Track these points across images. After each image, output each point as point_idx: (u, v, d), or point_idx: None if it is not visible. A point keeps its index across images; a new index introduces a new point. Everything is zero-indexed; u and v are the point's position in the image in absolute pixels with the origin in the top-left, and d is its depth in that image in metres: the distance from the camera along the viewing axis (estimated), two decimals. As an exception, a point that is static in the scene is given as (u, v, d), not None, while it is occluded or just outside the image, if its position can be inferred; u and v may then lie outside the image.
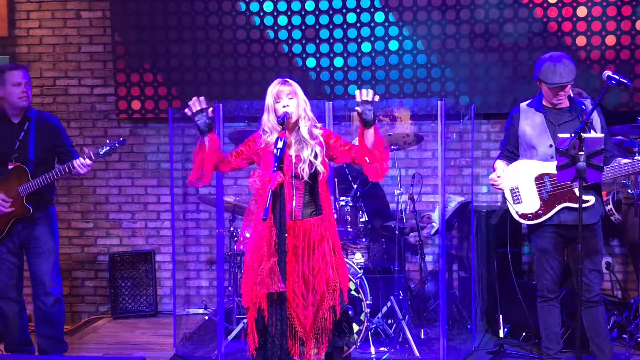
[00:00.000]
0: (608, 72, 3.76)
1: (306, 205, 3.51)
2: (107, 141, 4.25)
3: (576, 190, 3.81)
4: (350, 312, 4.38)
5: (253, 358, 3.54)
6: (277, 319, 3.45)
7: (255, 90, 5.89)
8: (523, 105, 4.08)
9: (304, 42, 5.88)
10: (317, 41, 5.87)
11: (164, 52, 5.98)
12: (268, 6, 5.88)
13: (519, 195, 3.98)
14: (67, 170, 4.17)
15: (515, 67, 5.77)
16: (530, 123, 3.97)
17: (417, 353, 4.60)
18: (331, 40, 5.87)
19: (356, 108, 3.31)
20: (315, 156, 3.47)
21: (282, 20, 5.89)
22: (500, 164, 4.14)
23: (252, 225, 3.54)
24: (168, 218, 6.05)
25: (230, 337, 4.84)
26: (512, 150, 4.11)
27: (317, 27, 5.87)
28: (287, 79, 3.53)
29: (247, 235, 3.68)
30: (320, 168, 3.47)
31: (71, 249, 6.16)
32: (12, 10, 6.14)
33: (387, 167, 3.44)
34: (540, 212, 3.93)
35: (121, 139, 4.28)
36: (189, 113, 3.45)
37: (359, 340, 4.47)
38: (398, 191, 5.12)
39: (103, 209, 6.22)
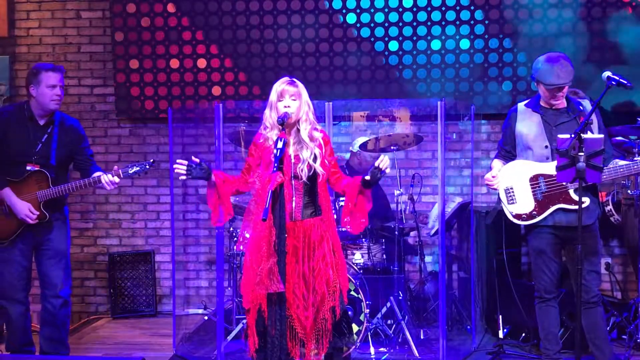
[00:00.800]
0: (608, 73, 3.75)
1: (306, 205, 3.51)
2: (137, 161, 4.21)
3: (570, 192, 3.82)
4: (350, 312, 4.38)
5: (253, 359, 3.54)
6: (276, 319, 3.45)
7: (256, 91, 5.90)
8: (521, 105, 4.07)
9: (303, 41, 5.88)
10: (317, 40, 5.87)
11: (163, 53, 5.98)
12: (267, 5, 5.88)
13: (514, 195, 3.98)
14: (91, 184, 4.14)
15: (515, 68, 5.77)
16: (527, 123, 3.97)
17: (416, 353, 4.60)
18: (331, 40, 5.87)
19: (366, 177, 3.41)
20: (315, 159, 3.47)
21: (282, 19, 5.89)
22: (497, 163, 4.14)
23: (252, 226, 3.54)
24: (168, 218, 6.05)
25: (229, 338, 4.83)
26: (509, 150, 4.11)
27: (317, 26, 5.87)
28: (295, 80, 3.54)
29: (247, 235, 3.69)
30: (319, 170, 3.47)
31: (71, 249, 6.14)
32: (12, 10, 6.14)
33: (367, 222, 3.55)
34: (534, 212, 3.93)
35: (151, 160, 4.20)
36: (185, 177, 3.48)
37: (358, 341, 4.47)
38: (398, 192, 5.12)
39: (103, 209, 6.22)
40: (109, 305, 6.05)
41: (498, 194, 4.08)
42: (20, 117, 4.20)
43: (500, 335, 4.96)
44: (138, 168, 4.12)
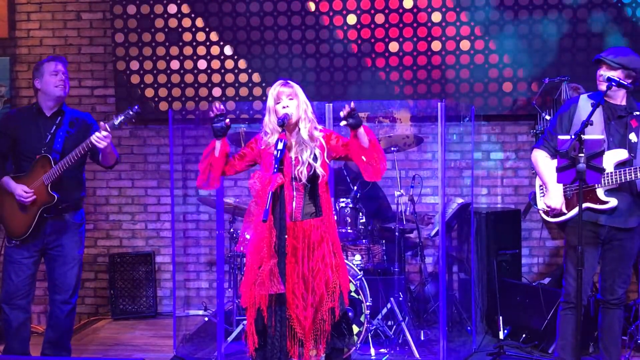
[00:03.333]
0: (608, 74, 3.74)
1: (306, 206, 3.50)
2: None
3: (598, 192, 3.77)
4: (350, 313, 4.38)
5: (252, 359, 3.55)
6: (276, 320, 3.45)
7: (256, 92, 5.90)
8: (583, 96, 3.96)
9: (303, 42, 5.89)
10: (317, 42, 5.87)
11: (164, 54, 5.98)
12: (268, 6, 5.88)
13: (545, 192, 3.96)
14: (85, 149, 4.02)
15: (515, 69, 5.77)
16: (588, 113, 3.79)
17: (417, 355, 4.60)
18: (331, 41, 5.87)
19: (341, 124, 3.34)
20: (315, 158, 3.46)
21: (282, 20, 5.89)
22: (543, 160, 3.95)
23: (252, 227, 3.55)
24: (168, 219, 6.05)
25: (230, 339, 4.84)
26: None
27: (317, 27, 5.87)
28: (289, 81, 3.54)
29: (247, 236, 3.69)
30: (320, 170, 3.46)
31: (71, 250, 6.15)
32: (13, 12, 6.15)
33: (385, 166, 3.46)
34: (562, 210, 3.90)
35: (136, 106, 4.05)
36: (212, 114, 3.48)
37: (359, 342, 4.47)
38: (398, 192, 5.12)
39: (103, 210, 6.22)
40: (110, 306, 6.05)
41: (533, 191, 4.04)
42: (29, 114, 4.23)
43: (501, 336, 4.96)
44: (122, 117, 4.00)
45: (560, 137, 3.55)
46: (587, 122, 3.48)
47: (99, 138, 3.99)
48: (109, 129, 4.01)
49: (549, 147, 3.96)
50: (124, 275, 6.04)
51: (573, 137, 3.41)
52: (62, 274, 4.24)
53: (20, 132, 4.18)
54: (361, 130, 3.37)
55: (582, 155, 3.38)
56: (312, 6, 5.84)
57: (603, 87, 3.79)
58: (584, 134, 3.42)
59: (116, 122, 4.01)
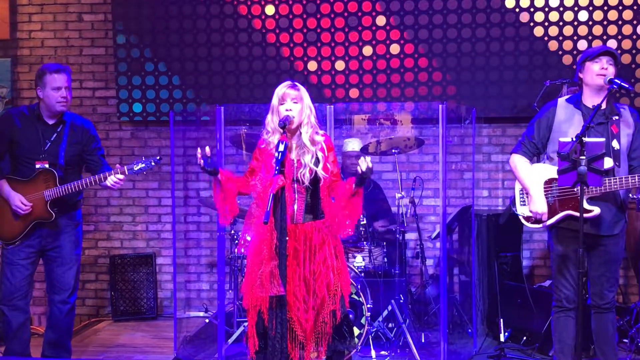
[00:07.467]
0: (609, 76, 3.71)
1: (307, 209, 3.51)
2: (143, 158, 4.10)
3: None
4: (351, 315, 4.38)
5: (253, 361, 3.55)
6: (277, 322, 3.45)
7: (257, 93, 5.91)
8: (561, 99, 3.90)
9: (305, 45, 5.89)
10: (319, 44, 5.88)
11: (165, 55, 5.99)
12: (269, 9, 5.89)
13: (526, 197, 3.94)
14: (96, 182, 4.06)
15: (516, 71, 5.77)
16: (568, 119, 3.79)
17: (417, 357, 4.59)
18: (333, 44, 5.87)
19: (359, 167, 3.33)
20: (317, 162, 3.47)
21: (284, 22, 5.90)
22: (522, 165, 3.90)
23: (253, 229, 3.55)
24: (169, 221, 6.06)
25: (230, 341, 4.84)
26: (536, 144, 3.90)
27: (319, 30, 5.88)
28: (296, 84, 3.52)
29: (248, 238, 3.69)
30: (321, 174, 3.47)
31: (72, 252, 6.15)
32: (14, 13, 6.16)
33: (348, 232, 3.47)
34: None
35: (157, 157, 4.08)
36: (201, 163, 3.43)
37: (359, 344, 4.47)
38: (399, 195, 5.11)
39: (104, 211, 6.22)
40: (110, 307, 6.06)
41: (513, 196, 4.04)
42: (29, 117, 4.20)
43: (502, 338, 4.94)
44: (143, 165, 4.02)
45: (561, 139, 3.53)
46: (589, 125, 3.46)
47: (115, 182, 4.04)
48: (126, 174, 4.02)
49: (527, 152, 3.93)
50: (125, 277, 6.04)
51: (574, 139, 3.40)
52: (61, 274, 4.25)
53: (18, 134, 4.16)
54: (361, 187, 3.39)
55: (583, 157, 3.37)
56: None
57: (600, 80, 3.71)
58: (585, 137, 3.41)
59: (135, 168, 4.02)
